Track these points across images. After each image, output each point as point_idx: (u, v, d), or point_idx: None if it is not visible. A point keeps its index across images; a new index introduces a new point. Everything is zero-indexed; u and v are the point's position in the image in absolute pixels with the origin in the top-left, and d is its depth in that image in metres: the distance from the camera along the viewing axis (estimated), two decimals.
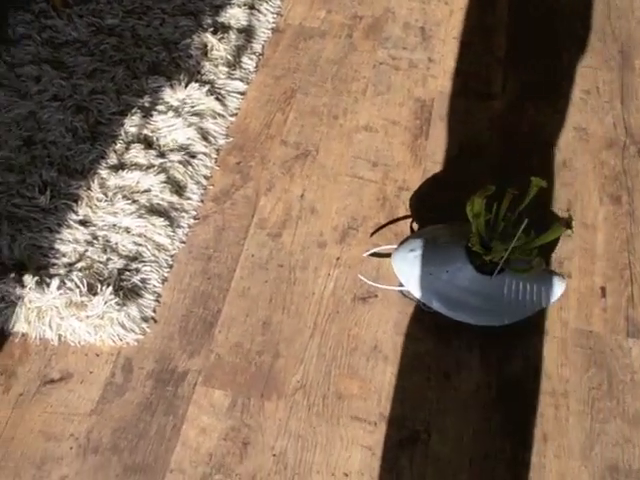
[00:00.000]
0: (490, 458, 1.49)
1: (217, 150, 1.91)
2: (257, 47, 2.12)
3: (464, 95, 2.08)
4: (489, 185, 1.60)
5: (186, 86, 1.98)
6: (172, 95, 1.97)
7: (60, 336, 1.62)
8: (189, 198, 1.81)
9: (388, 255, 1.73)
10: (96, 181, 1.80)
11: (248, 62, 2.09)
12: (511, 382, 1.59)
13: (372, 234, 1.77)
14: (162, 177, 1.80)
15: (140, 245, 1.72)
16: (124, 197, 1.78)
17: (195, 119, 1.92)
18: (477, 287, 1.64)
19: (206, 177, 1.86)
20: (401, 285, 1.69)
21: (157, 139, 1.89)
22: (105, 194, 1.79)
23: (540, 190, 1.60)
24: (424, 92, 2.08)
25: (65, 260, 1.69)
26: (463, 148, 1.96)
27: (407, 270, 1.68)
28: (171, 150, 1.87)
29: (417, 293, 1.66)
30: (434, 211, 1.82)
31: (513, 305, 1.64)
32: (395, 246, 1.75)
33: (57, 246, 1.71)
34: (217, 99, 1.97)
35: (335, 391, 1.56)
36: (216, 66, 2.05)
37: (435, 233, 1.75)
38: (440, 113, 2.03)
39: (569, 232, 1.59)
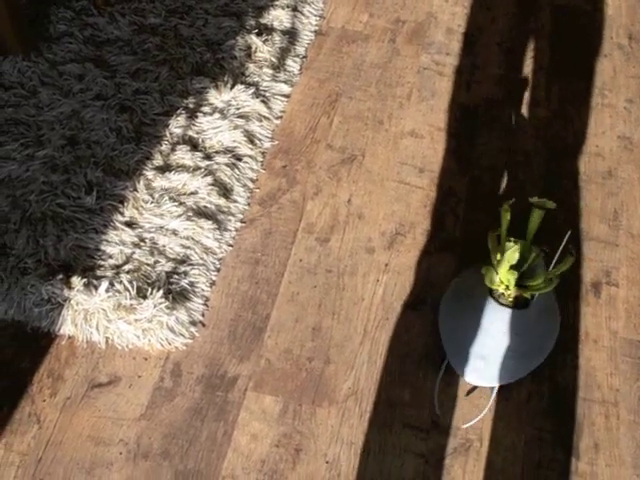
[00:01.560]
0: (542, 467, 1.48)
1: (263, 153, 1.90)
2: (300, 50, 2.11)
3: (508, 102, 2.07)
4: (505, 207, 1.57)
5: (231, 88, 1.96)
6: (217, 97, 1.95)
7: (107, 339, 1.60)
8: (236, 201, 1.80)
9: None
10: (142, 182, 1.79)
11: (292, 65, 2.08)
12: (562, 391, 1.58)
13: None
14: (209, 179, 1.79)
15: (188, 248, 1.70)
16: (171, 199, 1.76)
17: (241, 121, 1.91)
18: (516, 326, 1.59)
19: (252, 180, 1.85)
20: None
21: (202, 141, 1.88)
22: (151, 195, 1.77)
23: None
24: (468, 98, 2.07)
25: (112, 262, 1.68)
26: (509, 155, 1.95)
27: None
28: (217, 152, 1.86)
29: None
30: (482, 218, 1.82)
31: (547, 332, 1.64)
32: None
33: (103, 247, 1.70)
34: (262, 101, 1.96)
35: (386, 398, 1.55)
36: (260, 68, 2.04)
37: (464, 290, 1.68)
38: (486, 120, 2.02)
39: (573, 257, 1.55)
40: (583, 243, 1.81)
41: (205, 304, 1.66)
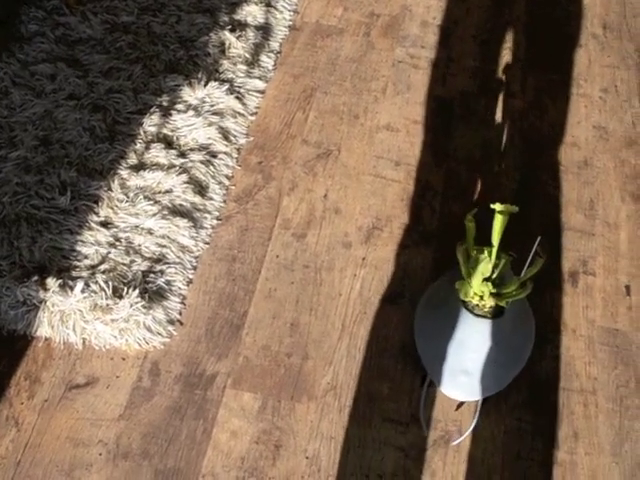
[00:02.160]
0: (522, 457, 1.49)
1: (238, 150, 1.89)
2: (275, 45, 2.10)
3: (484, 94, 2.07)
4: (468, 217, 1.52)
5: (205, 85, 1.95)
6: (191, 94, 1.94)
7: (84, 340, 1.59)
8: (211, 198, 1.79)
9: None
10: (116, 181, 1.78)
11: (266, 60, 2.07)
12: (541, 381, 1.58)
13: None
14: (184, 177, 1.78)
15: (164, 247, 1.69)
16: (146, 198, 1.75)
17: (215, 118, 1.90)
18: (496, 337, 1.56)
19: (228, 177, 1.84)
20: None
21: (177, 138, 1.87)
22: (126, 195, 1.76)
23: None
24: (444, 91, 2.07)
25: (87, 262, 1.66)
26: (485, 147, 1.95)
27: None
28: (192, 150, 1.85)
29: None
30: (459, 211, 1.82)
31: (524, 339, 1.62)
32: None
33: (79, 248, 1.68)
34: (237, 98, 1.95)
35: (366, 392, 1.55)
36: (234, 64, 2.03)
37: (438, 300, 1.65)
38: (461, 112, 2.02)
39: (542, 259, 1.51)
40: (560, 233, 1.81)
41: (182, 302, 1.65)
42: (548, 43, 2.23)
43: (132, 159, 1.83)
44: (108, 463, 1.45)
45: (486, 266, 1.46)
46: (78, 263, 1.66)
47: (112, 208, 1.74)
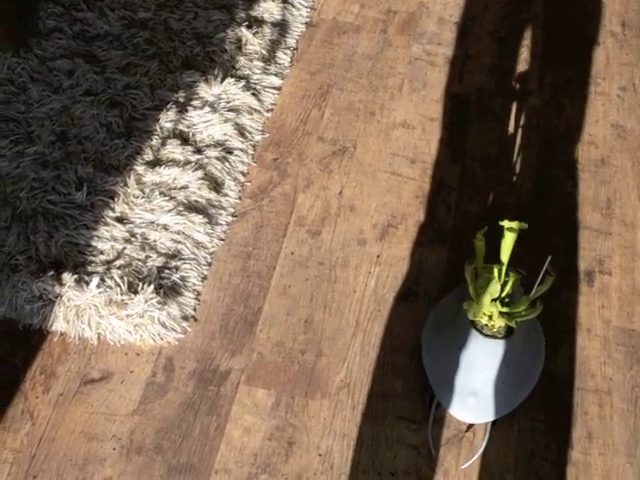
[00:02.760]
0: (536, 457, 1.48)
1: (254, 146, 1.89)
2: (291, 42, 2.10)
3: (501, 91, 2.05)
4: (478, 237, 1.48)
5: (221, 81, 1.95)
6: (207, 90, 1.94)
7: (99, 335, 1.60)
8: (227, 195, 1.79)
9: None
10: (132, 177, 1.79)
11: (283, 57, 2.07)
12: (555, 381, 1.57)
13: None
14: (199, 173, 1.78)
15: (179, 243, 1.70)
16: (161, 194, 1.76)
17: (231, 115, 1.90)
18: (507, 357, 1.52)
19: (243, 174, 1.84)
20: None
21: (193, 135, 1.87)
22: (142, 191, 1.77)
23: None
24: (461, 88, 2.05)
25: (103, 258, 1.67)
26: (501, 145, 1.95)
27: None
28: (207, 146, 1.85)
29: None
30: (474, 209, 1.81)
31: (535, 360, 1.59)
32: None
33: (94, 243, 1.69)
34: (253, 94, 1.95)
35: (379, 390, 1.55)
36: (251, 61, 2.03)
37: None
38: (478, 110, 2.01)
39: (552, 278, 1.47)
40: (576, 232, 1.80)
41: (197, 298, 1.65)
42: (566, 41, 2.21)
43: (148, 155, 1.83)
44: (122, 458, 1.45)
45: (495, 287, 1.43)
46: (94, 258, 1.67)
47: (128, 204, 1.75)
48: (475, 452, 1.48)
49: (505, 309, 1.46)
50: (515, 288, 1.48)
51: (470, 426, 1.51)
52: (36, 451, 1.46)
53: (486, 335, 1.48)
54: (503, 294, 1.46)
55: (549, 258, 1.43)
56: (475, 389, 1.50)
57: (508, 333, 1.49)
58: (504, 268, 1.46)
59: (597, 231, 1.80)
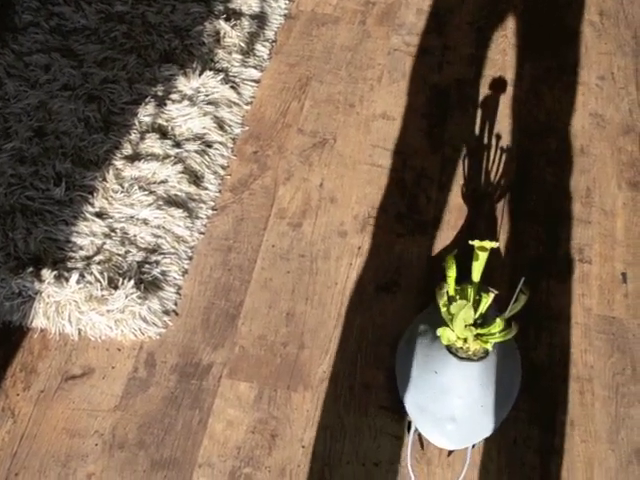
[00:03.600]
0: (518, 444, 1.49)
1: (233, 139, 1.89)
2: (270, 34, 2.09)
3: (480, 81, 2.06)
4: (448, 259, 1.45)
5: (200, 74, 1.94)
6: (186, 84, 1.93)
7: (80, 331, 1.59)
8: (207, 188, 1.79)
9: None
10: (111, 172, 1.77)
11: (261, 49, 2.06)
12: (536, 369, 1.58)
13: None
14: (179, 167, 1.77)
15: (159, 237, 1.69)
16: (141, 188, 1.75)
17: (210, 108, 1.89)
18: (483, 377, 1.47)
19: (223, 167, 1.84)
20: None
21: (172, 128, 1.86)
22: (121, 185, 1.76)
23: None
24: (440, 79, 2.06)
25: (83, 253, 1.66)
26: (481, 135, 1.95)
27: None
28: (187, 140, 1.84)
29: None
30: (455, 199, 1.82)
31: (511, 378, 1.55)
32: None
33: (74, 239, 1.68)
34: (232, 87, 1.94)
35: (362, 381, 1.55)
36: (229, 54, 2.02)
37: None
38: (457, 100, 2.01)
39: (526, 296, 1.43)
40: (556, 221, 1.81)
41: (178, 293, 1.65)
42: (545, 30, 2.21)
43: (127, 149, 1.82)
44: (104, 453, 1.45)
45: (468, 313, 1.38)
46: (73, 254, 1.66)
47: (107, 199, 1.74)
48: (457, 477, 1.45)
49: (480, 330, 1.41)
50: (489, 309, 1.44)
51: (451, 452, 1.48)
52: (18, 448, 1.45)
53: (461, 358, 1.43)
54: (476, 315, 1.41)
55: (522, 280, 1.39)
56: (454, 415, 1.46)
57: (484, 354, 1.44)
58: (476, 288, 1.43)
59: (577, 220, 1.81)
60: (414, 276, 1.69)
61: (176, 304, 1.63)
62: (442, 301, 1.43)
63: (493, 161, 1.90)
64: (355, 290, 1.67)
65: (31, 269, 1.61)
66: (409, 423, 1.50)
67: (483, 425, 1.47)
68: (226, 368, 1.55)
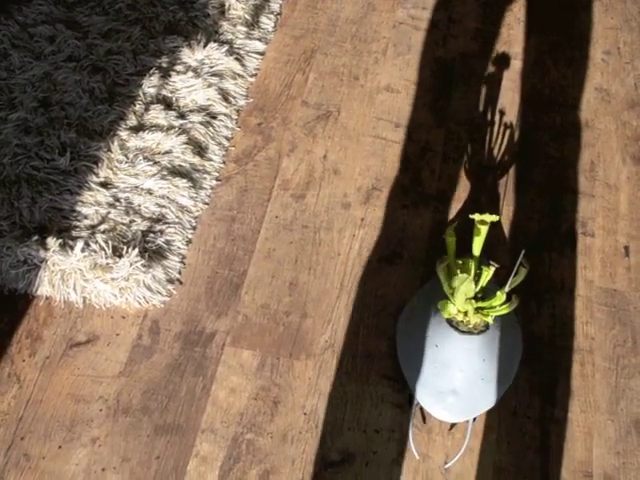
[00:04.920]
0: (518, 414, 1.50)
1: (237, 111, 1.89)
2: (275, 6, 2.09)
3: (485, 55, 2.05)
4: (448, 232, 1.45)
5: (205, 46, 1.94)
6: (190, 55, 1.93)
7: (85, 299, 1.60)
8: (211, 159, 1.79)
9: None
10: (116, 142, 1.78)
11: (266, 22, 2.06)
12: (537, 340, 1.59)
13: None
14: (183, 138, 1.78)
15: (163, 207, 1.70)
16: (145, 159, 1.75)
17: (215, 79, 1.90)
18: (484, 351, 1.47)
19: (227, 138, 1.84)
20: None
21: (176, 100, 1.86)
22: (126, 156, 1.76)
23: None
24: (445, 52, 2.05)
25: (87, 222, 1.67)
26: (486, 109, 1.95)
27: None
28: (191, 111, 1.84)
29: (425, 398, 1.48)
30: (458, 172, 1.82)
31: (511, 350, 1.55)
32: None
33: (78, 208, 1.69)
34: (236, 59, 1.94)
35: (363, 350, 1.56)
36: (234, 26, 2.02)
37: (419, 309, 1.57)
38: (462, 74, 2.01)
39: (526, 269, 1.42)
40: (560, 194, 1.81)
41: (182, 262, 1.66)
42: (551, 4, 2.20)
43: (131, 120, 1.83)
44: (108, 419, 1.46)
45: (469, 286, 1.38)
46: (78, 223, 1.67)
47: (112, 169, 1.75)
48: (458, 451, 1.46)
49: (481, 304, 1.42)
50: (489, 282, 1.45)
51: (453, 425, 1.49)
52: (23, 413, 1.47)
53: (462, 332, 1.44)
54: (477, 289, 1.42)
55: (522, 252, 1.40)
56: (455, 388, 1.46)
57: (485, 328, 1.45)
58: (477, 262, 1.44)
59: (580, 193, 1.81)
60: (417, 248, 1.70)
61: (180, 273, 1.64)
62: (443, 274, 1.43)
63: (497, 135, 1.90)
64: (358, 261, 1.68)
65: (36, 237, 1.62)
66: (410, 396, 1.51)
67: (484, 398, 1.48)
68: (229, 336, 1.57)
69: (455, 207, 1.77)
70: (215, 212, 1.74)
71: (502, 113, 1.94)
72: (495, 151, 1.87)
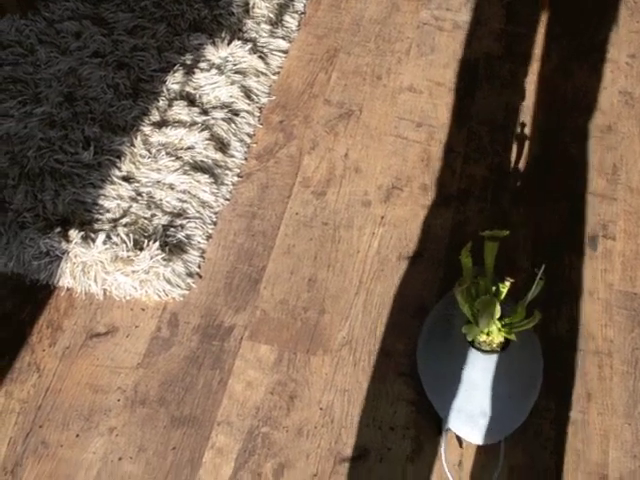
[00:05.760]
0: (535, 416, 1.49)
1: (260, 108, 1.90)
2: (299, 6, 2.10)
3: (509, 57, 2.05)
4: (464, 253, 1.39)
5: (228, 44, 1.96)
6: (214, 53, 1.95)
7: (105, 291, 1.62)
8: (233, 156, 1.80)
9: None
10: (139, 138, 1.80)
11: (290, 21, 2.07)
12: (556, 342, 1.58)
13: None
14: (206, 134, 1.79)
15: (184, 202, 1.71)
16: (167, 154, 1.77)
17: (238, 77, 1.91)
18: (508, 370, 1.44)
19: (249, 135, 1.85)
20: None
21: (200, 96, 1.88)
22: (148, 150, 1.78)
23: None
24: (469, 54, 2.05)
25: (109, 216, 1.69)
26: (508, 110, 1.94)
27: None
28: (214, 108, 1.86)
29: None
30: (480, 173, 1.82)
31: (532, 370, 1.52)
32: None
33: (101, 202, 1.71)
34: (260, 57, 1.96)
35: (381, 348, 1.56)
36: (258, 24, 2.03)
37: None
38: (485, 75, 2.01)
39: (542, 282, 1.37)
40: (581, 197, 1.80)
41: (201, 256, 1.67)
42: (576, 7, 2.19)
43: (155, 116, 1.84)
44: (126, 409, 1.48)
45: (494, 308, 1.34)
46: (100, 216, 1.69)
47: (134, 163, 1.76)
48: (494, 472, 1.43)
49: (502, 322, 1.38)
50: (505, 298, 1.40)
51: (481, 447, 1.46)
52: (42, 402, 1.48)
53: (485, 351, 1.41)
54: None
55: (543, 267, 1.36)
56: (484, 409, 1.44)
57: (505, 344, 1.42)
58: (491, 278, 1.39)
59: (602, 196, 1.80)
60: (437, 247, 1.70)
61: (200, 267, 1.66)
62: (462, 297, 1.39)
63: (519, 136, 1.90)
64: (377, 259, 1.68)
65: (59, 229, 1.64)
66: (438, 422, 1.47)
67: (514, 416, 1.47)
68: (247, 330, 1.58)
69: (476, 207, 1.76)
70: (236, 208, 1.75)
71: (525, 115, 1.94)
72: (517, 152, 1.87)
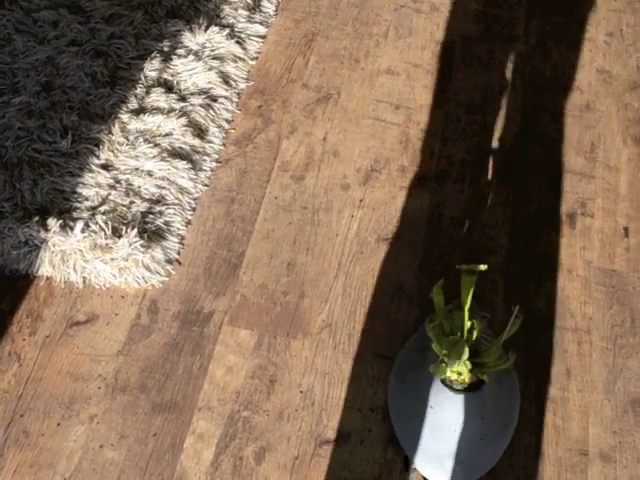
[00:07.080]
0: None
1: (238, 94, 1.90)
2: None
3: (487, 38, 2.05)
4: (435, 290, 1.32)
5: (206, 30, 1.95)
6: (192, 39, 1.94)
7: (85, 279, 1.62)
8: (211, 142, 1.80)
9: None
10: (117, 125, 1.79)
11: (268, 5, 2.06)
12: (535, 320, 1.59)
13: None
14: (183, 120, 1.79)
15: (163, 188, 1.71)
16: (146, 141, 1.77)
17: (215, 63, 1.90)
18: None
19: (228, 121, 1.85)
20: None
21: (177, 83, 1.87)
22: (126, 138, 1.78)
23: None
24: (446, 35, 2.05)
25: (88, 204, 1.69)
26: (486, 91, 1.94)
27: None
28: (192, 94, 1.85)
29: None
30: (458, 154, 1.82)
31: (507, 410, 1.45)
32: None
33: (79, 190, 1.71)
34: (237, 43, 1.95)
35: (360, 330, 1.57)
36: (235, 9, 2.02)
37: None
38: (463, 56, 2.00)
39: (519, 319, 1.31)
40: (559, 175, 1.80)
41: (181, 243, 1.67)
42: None
43: (133, 103, 1.84)
44: (106, 396, 1.48)
45: (462, 349, 1.25)
46: (79, 205, 1.69)
47: (112, 151, 1.76)
48: None
49: (476, 360, 1.31)
50: (480, 335, 1.34)
51: None
52: (23, 391, 1.49)
53: (457, 390, 1.33)
54: (469, 343, 1.30)
55: (517, 307, 1.32)
56: (453, 451, 1.37)
57: (479, 384, 1.34)
58: (467, 314, 1.32)
59: (580, 174, 1.80)
60: (415, 229, 1.70)
61: (179, 253, 1.66)
62: (434, 335, 1.31)
63: (497, 116, 1.90)
64: (356, 242, 1.68)
65: (37, 219, 1.64)
66: (406, 459, 1.42)
67: (485, 459, 1.40)
68: (227, 316, 1.58)
69: (454, 188, 1.77)
70: (214, 194, 1.75)
71: (502, 95, 1.94)
72: (495, 132, 1.87)
